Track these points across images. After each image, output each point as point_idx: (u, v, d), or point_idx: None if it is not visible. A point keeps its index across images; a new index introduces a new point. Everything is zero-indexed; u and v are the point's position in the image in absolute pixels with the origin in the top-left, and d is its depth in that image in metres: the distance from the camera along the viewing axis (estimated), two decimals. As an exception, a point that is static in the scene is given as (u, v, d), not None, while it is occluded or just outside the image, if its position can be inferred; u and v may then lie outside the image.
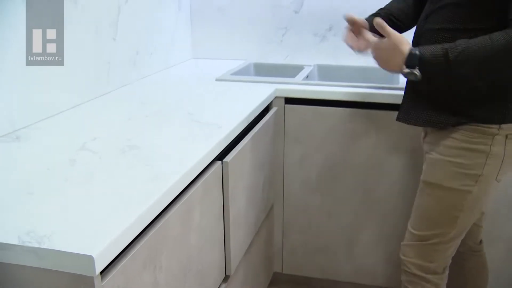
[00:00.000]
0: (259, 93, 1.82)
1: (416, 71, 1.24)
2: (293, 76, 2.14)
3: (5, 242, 0.82)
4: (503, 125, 1.28)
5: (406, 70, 1.25)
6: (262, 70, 2.41)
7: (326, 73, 2.36)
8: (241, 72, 2.27)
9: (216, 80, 2.06)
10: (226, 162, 1.34)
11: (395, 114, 1.54)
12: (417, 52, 1.23)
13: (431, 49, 1.22)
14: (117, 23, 1.85)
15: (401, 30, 1.50)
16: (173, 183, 1.05)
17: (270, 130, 1.82)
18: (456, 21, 1.28)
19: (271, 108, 1.89)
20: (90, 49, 1.71)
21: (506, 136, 1.29)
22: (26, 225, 0.87)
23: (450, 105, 1.33)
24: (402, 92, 1.54)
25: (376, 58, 1.37)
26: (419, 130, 1.55)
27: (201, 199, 1.22)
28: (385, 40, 1.32)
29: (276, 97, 1.91)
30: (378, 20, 1.33)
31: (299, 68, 2.28)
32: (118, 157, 1.20)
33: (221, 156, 1.36)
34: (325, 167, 1.97)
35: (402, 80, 1.79)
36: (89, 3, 1.66)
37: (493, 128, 1.28)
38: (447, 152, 1.36)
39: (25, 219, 0.90)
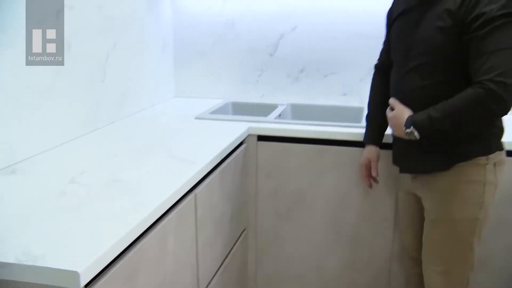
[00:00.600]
0: (233, 131, 2.01)
1: (415, 132, 1.46)
2: (268, 114, 2.33)
3: (4, 261, 0.98)
4: (490, 155, 1.50)
5: (408, 131, 1.47)
6: (240, 109, 2.60)
7: (299, 111, 2.55)
8: (220, 110, 2.46)
9: (195, 118, 2.24)
10: (195, 194, 1.52)
11: (359, 150, 1.77)
12: (411, 119, 1.48)
13: (419, 114, 1.46)
14: (105, 67, 2.04)
15: None
16: (150, 212, 1.22)
17: (239, 165, 2.00)
18: (451, 73, 1.47)
19: (243, 145, 2.07)
20: (81, 91, 1.88)
21: (494, 164, 1.51)
22: (22, 247, 1.03)
23: (442, 150, 1.53)
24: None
25: (390, 126, 1.62)
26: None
27: (176, 226, 1.39)
28: (393, 111, 1.57)
29: (249, 135, 2.10)
30: (391, 101, 1.60)
31: (273, 107, 2.48)
32: (103, 189, 1.36)
33: (196, 188, 1.53)
34: (296, 199, 2.14)
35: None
36: (80, 50, 1.84)
37: (482, 159, 1.50)
38: (449, 188, 1.54)
39: (21, 242, 1.05)
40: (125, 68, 2.21)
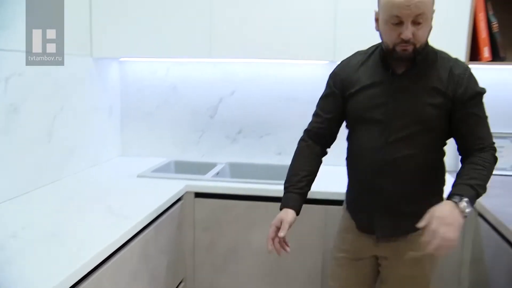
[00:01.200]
0: (172, 188, 2.16)
1: (470, 209, 1.42)
2: (207, 172, 2.51)
3: None
4: None
5: (467, 212, 1.41)
6: (181, 167, 2.77)
7: (236, 170, 2.74)
8: (162, 169, 2.62)
9: (138, 176, 2.39)
10: (131, 247, 1.65)
11: None
12: (464, 199, 1.42)
13: (466, 191, 1.45)
14: (52, 129, 2.18)
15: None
16: (84, 263, 1.35)
17: (176, 220, 2.15)
18: (432, 144, 1.62)
19: (180, 201, 2.22)
20: (28, 151, 2.01)
21: None
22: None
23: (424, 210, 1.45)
24: None
25: (444, 234, 1.35)
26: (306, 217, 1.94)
27: (111, 278, 1.52)
28: (434, 221, 1.37)
29: (186, 192, 2.26)
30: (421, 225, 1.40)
31: (212, 166, 2.66)
32: (41, 242, 1.48)
33: (131, 241, 1.67)
34: (231, 252, 2.29)
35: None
36: (28, 113, 1.99)
37: None
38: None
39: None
40: (71, 129, 2.36)
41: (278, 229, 1.64)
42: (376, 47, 1.69)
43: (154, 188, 2.19)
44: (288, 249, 1.67)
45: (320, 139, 1.79)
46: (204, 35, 2.41)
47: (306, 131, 1.83)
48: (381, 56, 1.64)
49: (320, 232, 2.20)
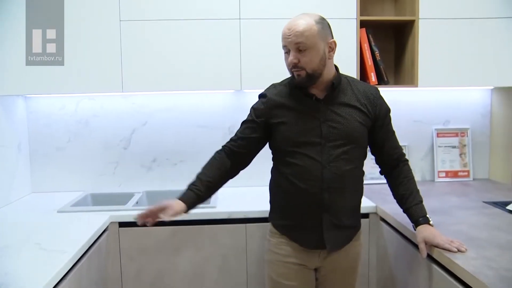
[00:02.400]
0: (96, 220, 2.20)
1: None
2: (126, 202, 2.56)
3: None
4: None
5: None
6: (99, 199, 2.78)
7: (154, 197, 2.81)
8: (80, 203, 2.62)
9: (58, 212, 2.39)
10: (68, 280, 1.69)
11: (210, 228, 2.03)
12: (428, 216, 1.83)
13: (419, 209, 1.85)
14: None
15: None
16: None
17: (103, 251, 2.18)
18: (362, 158, 1.89)
19: (106, 232, 2.26)
20: None
21: None
22: None
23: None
24: (214, 210, 2.11)
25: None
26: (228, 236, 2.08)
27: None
28: (440, 241, 1.71)
29: (111, 222, 2.30)
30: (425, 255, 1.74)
31: (130, 195, 2.72)
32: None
33: (67, 275, 1.70)
34: (158, 278, 2.36)
35: (213, 201, 2.34)
36: None
37: None
38: (359, 250, 1.97)
39: None
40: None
41: (161, 209, 1.73)
42: (291, 78, 1.86)
43: (78, 222, 2.21)
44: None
45: (234, 155, 1.89)
46: (116, 71, 2.49)
47: (222, 146, 1.95)
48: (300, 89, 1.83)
49: (242, 250, 2.35)
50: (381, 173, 2.01)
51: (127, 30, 2.48)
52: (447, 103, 3.04)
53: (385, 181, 1.99)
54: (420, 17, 2.61)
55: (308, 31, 1.72)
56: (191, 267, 2.37)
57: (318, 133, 1.79)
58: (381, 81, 2.68)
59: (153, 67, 2.52)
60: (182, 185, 2.86)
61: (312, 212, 1.81)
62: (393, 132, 1.96)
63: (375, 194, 2.57)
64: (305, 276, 1.90)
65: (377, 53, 2.66)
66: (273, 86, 1.93)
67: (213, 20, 2.52)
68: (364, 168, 1.93)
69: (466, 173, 3.03)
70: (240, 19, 2.54)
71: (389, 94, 2.95)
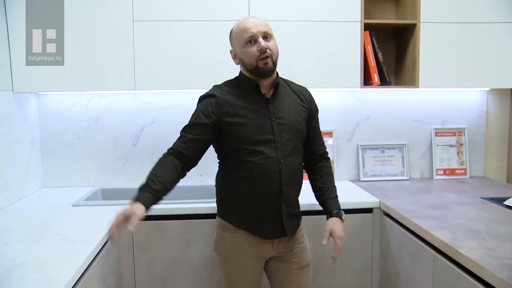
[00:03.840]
0: (110, 214, 2.26)
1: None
2: (136, 197, 2.64)
3: None
4: None
5: (343, 219, 2.01)
6: (108, 194, 2.86)
7: (162, 193, 2.90)
8: (91, 197, 2.69)
9: (73, 205, 2.47)
10: (92, 268, 1.77)
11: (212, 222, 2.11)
12: (342, 212, 2.03)
13: (337, 203, 2.05)
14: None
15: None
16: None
17: (118, 243, 2.26)
18: (300, 155, 1.99)
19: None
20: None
21: None
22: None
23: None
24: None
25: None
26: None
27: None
28: (338, 240, 1.95)
29: (125, 216, 2.38)
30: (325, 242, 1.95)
31: (140, 191, 2.79)
32: (8, 274, 1.55)
33: (91, 265, 1.78)
34: (169, 269, 2.45)
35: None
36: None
37: None
38: (304, 239, 2.07)
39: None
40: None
41: (126, 218, 1.67)
42: (234, 80, 2.00)
43: (94, 215, 2.29)
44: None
45: (183, 157, 1.90)
46: (129, 70, 2.57)
47: (168, 149, 1.92)
48: (250, 85, 1.91)
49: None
50: (304, 166, 2.11)
51: (139, 30, 2.56)
52: (445, 103, 3.16)
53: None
54: (421, 20, 2.72)
55: (267, 23, 1.92)
56: (201, 259, 2.46)
57: (270, 131, 1.88)
58: (384, 81, 2.79)
59: (163, 67, 2.61)
60: (189, 181, 2.97)
61: (273, 205, 1.91)
62: (320, 130, 2.13)
63: (377, 190, 2.68)
64: (260, 267, 2.02)
65: (380, 54, 2.77)
66: (217, 86, 1.98)
67: (223, 21, 2.61)
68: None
69: (463, 171, 3.15)
70: (249, 20, 2.62)
71: (390, 94, 3.09)
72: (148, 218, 2.40)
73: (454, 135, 3.17)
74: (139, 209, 1.71)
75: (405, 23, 2.81)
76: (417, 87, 2.75)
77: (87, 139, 2.95)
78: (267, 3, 2.64)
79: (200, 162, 2.96)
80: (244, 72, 1.95)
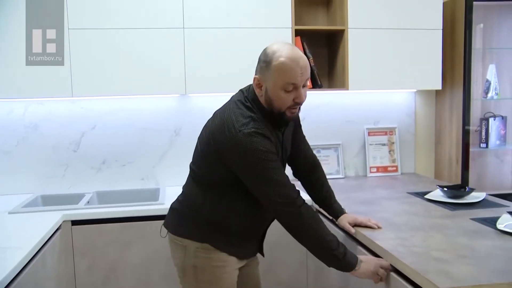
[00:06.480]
0: (49, 219, 2.30)
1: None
2: (77, 202, 2.67)
3: None
4: None
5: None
6: (50, 201, 2.86)
7: (104, 197, 2.94)
8: (30, 204, 2.69)
9: (9, 213, 2.47)
10: (26, 274, 1.80)
11: (158, 223, 2.14)
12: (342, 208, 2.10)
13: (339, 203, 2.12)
14: None
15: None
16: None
17: (56, 248, 2.29)
18: None
19: (59, 230, 2.37)
20: None
21: None
22: None
23: None
24: (161, 207, 2.23)
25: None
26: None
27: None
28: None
29: (64, 221, 2.41)
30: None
31: (81, 196, 2.82)
32: None
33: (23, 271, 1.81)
34: (110, 271, 2.49)
35: (161, 198, 2.49)
36: None
37: None
38: None
39: None
40: None
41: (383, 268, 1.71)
42: (261, 114, 1.73)
43: (31, 222, 2.31)
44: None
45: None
46: (65, 76, 2.58)
47: (303, 203, 1.71)
48: (274, 121, 1.76)
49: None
50: (296, 175, 2.14)
51: (75, 38, 2.58)
52: (377, 104, 3.33)
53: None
54: (349, 26, 2.87)
55: (308, 65, 1.72)
56: (140, 261, 2.52)
57: (282, 163, 1.85)
58: (316, 85, 2.92)
59: (102, 73, 2.64)
60: (130, 185, 3.03)
61: (259, 225, 1.94)
62: (304, 134, 2.11)
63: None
64: (235, 274, 1.93)
65: (311, 59, 2.90)
66: (252, 120, 1.69)
67: (159, 29, 2.67)
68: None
69: (394, 168, 3.33)
70: (183, 28, 2.70)
71: (323, 97, 3.23)
72: (88, 222, 2.46)
73: (386, 134, 3.34)
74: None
75: (333, 29, 2.96)
76: (347, 89, 2.90)
77: (25, 146, 2.94)
78: (199, 10, 2.72)
79: (141, 166, 3.06)
80: (262, 101, 1.74)
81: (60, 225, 2.38)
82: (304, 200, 1.71)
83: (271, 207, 1.71)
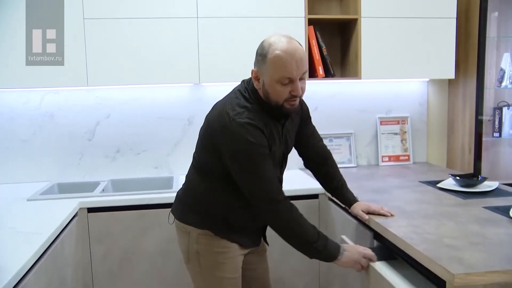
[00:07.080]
0: (66, 206, 2.35)
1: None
2: (92, 190, 2.72)
3: None
4: None
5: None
6: (65, 188, 2.91)
7: (119, 185, 2.98)
8: (48, 191, 2.75)
9: (28, 200, 2.52)
10: (45, 259, 1.84)
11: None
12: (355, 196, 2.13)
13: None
14: None
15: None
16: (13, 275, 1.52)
17: (74, 234, 2.34)
18: None
19: (76, 217, 2.42)
20: None
21: None
22: None
23: None
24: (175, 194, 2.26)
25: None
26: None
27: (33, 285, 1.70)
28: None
29: (80, 208, 2.46)
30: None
31: (96, 184, 2.87)
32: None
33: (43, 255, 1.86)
34: (124, 258, 2.54)
35: (176, 186, 2.52)
36: None
37: None
38: None
39: None
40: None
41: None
42: (257, 105, 1.74)
43: (49, 208, 2.36)
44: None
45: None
46: (81, 65, 2.62)
47: (284, 198, 1.73)
48: (272, 113, 1.76)
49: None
50: (307, 166, 2.16)
51: (91, 28, 2.61)
52: (389, 93, 3.33)
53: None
54: (362, 15, 2.87)
55: (306, 57, 1.70)
56: (155, 247, 2.56)
57: (281, 156, 1.86)
58: (328, 74, 2.93)
59: (117, 62, 2.67)
60: (145, 173, 3.07)
61: (261, 224, 1.98)
62: (314, 126, 2.11)
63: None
64: (241, 261, 1.96)
65: (324, 48, 2.91)
66: (247, 110, 1.71)
67: (173, 19, 2.70)
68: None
69: (406, 157, 3.33)
70: (197, 17, 2.72)
71: (336, 86, 3.24)
72: (103, 209, 2.50)
73: (398, 123, 3.34)
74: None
75: (346, 18, 2.96)
76: (360, 78, 2.91)
77: (42, 135, 2.99)
78: (213, 0, 2.73)
79: (154, 154, 3.09)
80: (261, 93, 1.74)
81: (77, 212, 2.43)
82: (285, 197, 1.72)
83: (251, 199, 1.73)
